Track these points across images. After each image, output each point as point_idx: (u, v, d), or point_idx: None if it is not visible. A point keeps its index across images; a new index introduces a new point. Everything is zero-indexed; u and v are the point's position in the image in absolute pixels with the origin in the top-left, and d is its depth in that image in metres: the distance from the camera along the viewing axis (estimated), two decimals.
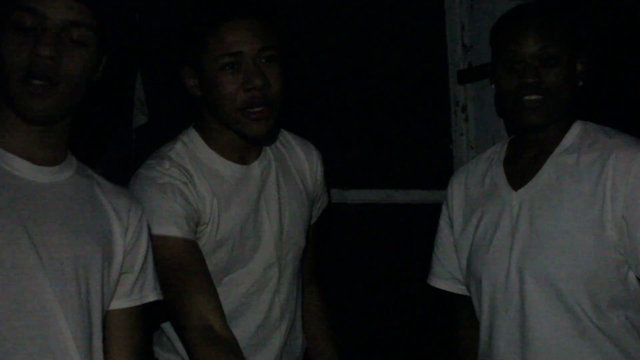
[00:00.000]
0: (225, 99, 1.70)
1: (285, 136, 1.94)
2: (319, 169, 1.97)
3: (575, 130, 1.80)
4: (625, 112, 2.36)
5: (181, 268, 1.67)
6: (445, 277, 1.96)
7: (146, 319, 1.59)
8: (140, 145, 2.19)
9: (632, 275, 1.69)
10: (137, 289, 1.55)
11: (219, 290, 1.72)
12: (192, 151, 1.77)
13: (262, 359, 1.83)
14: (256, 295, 1.82)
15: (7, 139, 1.42)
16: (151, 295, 1.57)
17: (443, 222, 1.98)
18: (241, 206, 1.78)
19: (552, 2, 1.84)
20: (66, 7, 1.38)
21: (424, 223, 2.10)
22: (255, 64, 1.69)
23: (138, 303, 1.55)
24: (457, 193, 1.96)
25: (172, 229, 1.67)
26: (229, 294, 1.77)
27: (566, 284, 1.69)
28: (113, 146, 2.22)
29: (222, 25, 1.70)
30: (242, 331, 1.76)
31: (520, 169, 1.83)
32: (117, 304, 1.53)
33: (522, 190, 1.80)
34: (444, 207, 1.99)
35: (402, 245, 2.55)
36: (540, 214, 1.75)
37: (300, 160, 1.94)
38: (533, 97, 1.74)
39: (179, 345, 1.79)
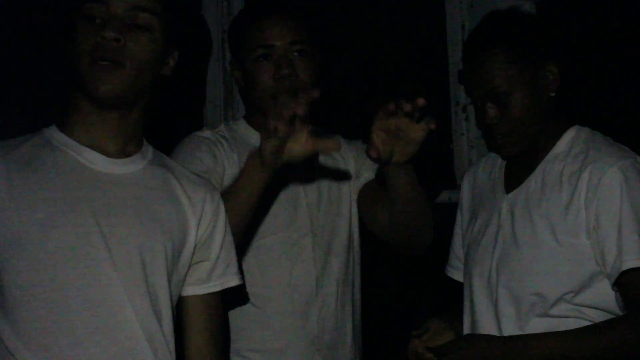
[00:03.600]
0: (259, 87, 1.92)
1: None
2: (358, 144, 2.08)
3: (568, 137, 1.81)
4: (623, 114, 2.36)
5: None
6: (460, 269, 1.99)
7: None
8: None
9: (606, 283, 1.69)
10: (216, 276, 1.60)
11: (249, 253, 1.84)
12: (232, 127, 2.01)
13: (305, 333, 1.89)
14: (288, 263, 1.90)
15: (81, 132, 1.51)
16: (233, 280, 1.62)
17: (457, 216, 2.05)
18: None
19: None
20: None
21: None
22: (286, 55, 1.89)
23: (218, 289, 1.61)
24: (466, 189, 2.02)
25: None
26: (260, 259, 1.87)
27: (536, 291, 1.72)
28: None
29: (256, 22, 1.92)
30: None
31: (516, 173, 1.86)
32: (193, 290, 1.58)
33: (511, 194, 1.83)
34: (459, 201, 2.05)
35: None
36: (521, 220, 1.78)
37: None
38: (499, 136, 1.80)
39: None
